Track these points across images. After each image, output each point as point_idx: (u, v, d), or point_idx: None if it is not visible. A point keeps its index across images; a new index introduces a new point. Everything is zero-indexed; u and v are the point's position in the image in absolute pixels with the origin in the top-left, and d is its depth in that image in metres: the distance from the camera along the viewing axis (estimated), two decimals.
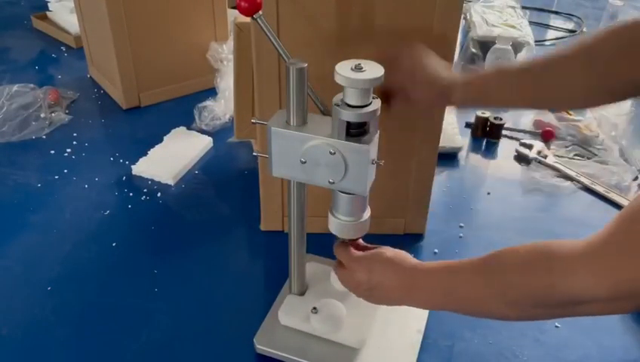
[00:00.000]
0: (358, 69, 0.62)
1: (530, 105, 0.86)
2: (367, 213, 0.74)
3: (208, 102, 1.38)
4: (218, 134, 1.33)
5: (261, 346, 0.81)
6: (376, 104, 0.65)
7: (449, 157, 1.28)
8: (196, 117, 1.36)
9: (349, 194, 0.71)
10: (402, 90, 0.79)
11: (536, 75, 0.73)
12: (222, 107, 1.37)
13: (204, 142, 1.29)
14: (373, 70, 0.63)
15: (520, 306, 0.59)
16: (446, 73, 0.77)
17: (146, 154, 1.24)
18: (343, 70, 0.62)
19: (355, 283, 0.74)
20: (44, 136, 1.33)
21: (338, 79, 0.62)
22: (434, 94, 0.78)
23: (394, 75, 0.74)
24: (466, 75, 0.78)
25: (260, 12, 0.69)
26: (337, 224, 0.74)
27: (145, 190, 1.16)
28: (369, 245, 0.77)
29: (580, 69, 0.69)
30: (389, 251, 0.72)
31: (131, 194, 1.15)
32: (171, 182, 1.18)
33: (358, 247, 0.77)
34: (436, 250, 1.02)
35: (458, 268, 0.65)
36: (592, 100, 0.73)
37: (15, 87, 1.39)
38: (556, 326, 0.87)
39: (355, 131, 0.66)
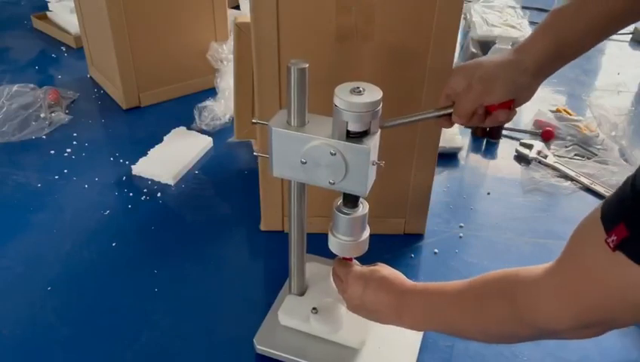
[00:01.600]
0: (357, 92, 0.63)
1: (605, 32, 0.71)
2: (366, 233, 0.75)
3: (208, 102, 1.38)
4: (218, 134, 1.33)
5: (261, 346, 0.81)
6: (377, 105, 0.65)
7: (449, 157, 1.28)
8: (196, 117, 1.36)
9: (349, 215, 0.72)
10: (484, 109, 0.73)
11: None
12: (222, 107, 1.37)
13: (204, 142, 1.29)
14: (372, 93, 0.64)
15: (494, 337, 0.62)
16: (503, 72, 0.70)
17: (146, 154, 1.24)
18: (343, 94, 0.63)
19: (348, 297, 0.75)
20: (44, 136, 1.33)
21: (337, 102, 0.63)
22: (513, 93, 0.70)
23: (466, 106, 0.71)
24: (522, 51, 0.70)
25: None
26: (337, 244, 0.74)
27: (145, 190, 1.16)
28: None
29: None
30: (385, 270, 0.74)
31: (131, 194, 1.15)
32: (171, 182, 1.18)
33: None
34: (436, 250, 1.02)
35: (442, 294, 0.66)
36: None
37: (15, 87, 1.39)
38: None
39: (356, 132, 0.66)
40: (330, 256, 0.93)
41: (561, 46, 0.69)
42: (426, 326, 0.71)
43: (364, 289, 0.72)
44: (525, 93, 0.71)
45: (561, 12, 0.69)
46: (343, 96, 0.62)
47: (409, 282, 0.72)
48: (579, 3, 0.68)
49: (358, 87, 0.64)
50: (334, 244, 0.75)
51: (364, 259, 0.88)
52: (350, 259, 0.78)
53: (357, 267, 0.76)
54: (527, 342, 0.83)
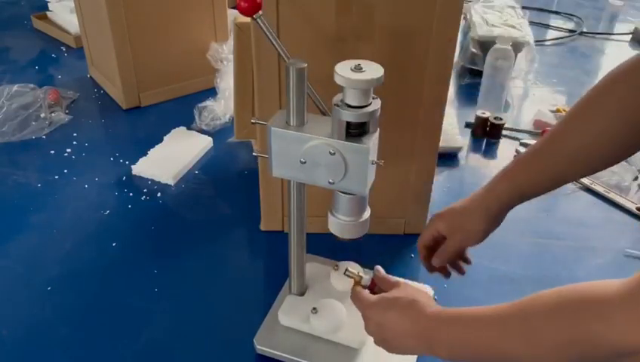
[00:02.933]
0: (357, 69, 0.62)
1: (573, 175, 0.76)
2: (366, 213, 0.74)
3: (208, 102, 1.38)
4: (218, 134, 1.33)
5: (261, 346, 0.81)
6: (376, 104, 0.65)
7: (449, 157, 1.28)
8: (196, 117, 1.36)
9: (349, 194, 0.71)
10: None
11: (561, 143, 0.70)
12: (222, 107, 1.37)
13: (204, 142, 1.29)
14: (373, 70, 0.63)
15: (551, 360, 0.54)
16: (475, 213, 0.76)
17: (146, 154, 1.24)
18: (343, 71, 0.62)
19: (369, 331, 0.70)
20: (44, 136, 1.33)
21: (338, 80, 0.62)
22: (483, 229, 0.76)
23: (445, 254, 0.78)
24: (489, 192, 0.76)
25: (260, 12, 0.69)
26: (337, 224, 0.74)
27: (145, 190, 1.16)
28: (389, 278, 0.73)
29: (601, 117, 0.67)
30: (406, 295, 0.67)
31: (131, 194, 1.15)
32: (171, 182, 1.18)
33: (376, 286, 0.74)
34: None
35: (485, 319, 0.59)
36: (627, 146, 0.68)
37: (15, 87, 1.39)
38: None
39: (355, 131, 0.66)
40: (330, 256, 0.92)
41: (522, 191, 0.73)
42: (464, 355, 0.62)
43: (382, 323, 0.67)
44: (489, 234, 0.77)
45: (522, 160, 0.74)
46: (343, 73, 0.62)
47: (435, 307, 0.65)
48: (539, 151, 0.73)
49: (359, 65, 0.63)
50: (334, 225, 0.74)
51: (365, 259, 0.88)
52: (371, 286, 0.73)
53: (370, 297, 0.70)
54: None
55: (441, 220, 0.79)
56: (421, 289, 0.70)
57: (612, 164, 0.71)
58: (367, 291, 0.72)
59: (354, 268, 0.80)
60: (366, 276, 0.74)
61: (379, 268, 0.75)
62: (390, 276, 0.74)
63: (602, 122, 0.67)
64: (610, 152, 0.69)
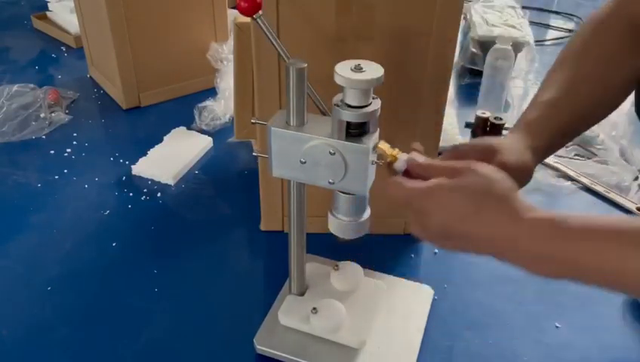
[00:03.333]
0: (357, 69, 0.62)
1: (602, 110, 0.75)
2: (367, 213, 0.74)
3: (208, 102, 1.38)
4: (218, 134, 1.33)
5: (261, 346, 0.81)
6: (376, 104, 0.65)
7: None
8: (196, 117, 1.36)
9: (349, 194, 0.71)
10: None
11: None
12: (222, 107, 1.37)
13: (204, 142, 1.29)
14: (373, 70, 0.63)
15: None
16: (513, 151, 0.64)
17: (146, 154, 1.24)
18: (343, 71, 0.62)
19: (424, 227, 0.53)
20: (44, 136, 1.33)
21: (338, 80, 0.62)
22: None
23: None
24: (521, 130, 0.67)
25: (260, 12, 0.69)
26: (337, 224, 0.74)
27: (145, 190, 1.16)
28: (441, 164, 0.55)
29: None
30: (490, 187, 0.49)
31: (131, 194, 1.15)
32: (171, 182, 1.18)
33: (429, 169, 0.56)
34: (436, 250, 1.02)
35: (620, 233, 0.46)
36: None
37: (15, 87, 1.39)
38: (556, 327, 0.87)
39: (355, 131, 0.65)
40: (330, 256, 0.93)
41: (553, 136, 0.69)
42: (571, 275, 0.48)
43: (454, 220, 0.50)
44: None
45: (539, 108, 0.69)
46: (344, 73, 0.62)
47: (535, 209, 0.50)
48: (555, 102, 0.70)
49: (359, 65, 0.63)
50: (334, 225, 0.74)
51: (365, 259, 0.89)
52: (405, 173, 0.57)
53: (423, 183, 0.52)
54: (528, 342, 0.84)
55: (474, 149, 0.61)
56: (496, 173, 0.51)
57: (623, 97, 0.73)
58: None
59: (383, 145, 0.61)
60: (402, 156, 0.57)
61: (416, 154, 0.57)
62: (439, 161, 0.55)
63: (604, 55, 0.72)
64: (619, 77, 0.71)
